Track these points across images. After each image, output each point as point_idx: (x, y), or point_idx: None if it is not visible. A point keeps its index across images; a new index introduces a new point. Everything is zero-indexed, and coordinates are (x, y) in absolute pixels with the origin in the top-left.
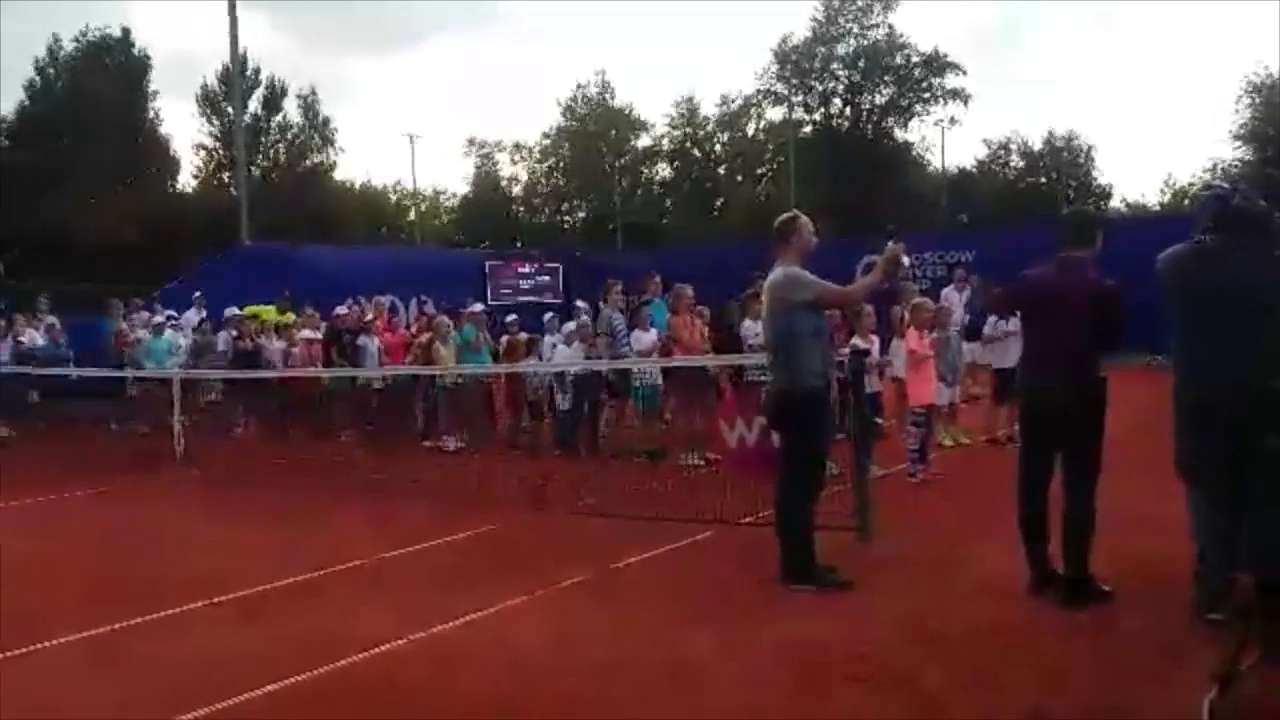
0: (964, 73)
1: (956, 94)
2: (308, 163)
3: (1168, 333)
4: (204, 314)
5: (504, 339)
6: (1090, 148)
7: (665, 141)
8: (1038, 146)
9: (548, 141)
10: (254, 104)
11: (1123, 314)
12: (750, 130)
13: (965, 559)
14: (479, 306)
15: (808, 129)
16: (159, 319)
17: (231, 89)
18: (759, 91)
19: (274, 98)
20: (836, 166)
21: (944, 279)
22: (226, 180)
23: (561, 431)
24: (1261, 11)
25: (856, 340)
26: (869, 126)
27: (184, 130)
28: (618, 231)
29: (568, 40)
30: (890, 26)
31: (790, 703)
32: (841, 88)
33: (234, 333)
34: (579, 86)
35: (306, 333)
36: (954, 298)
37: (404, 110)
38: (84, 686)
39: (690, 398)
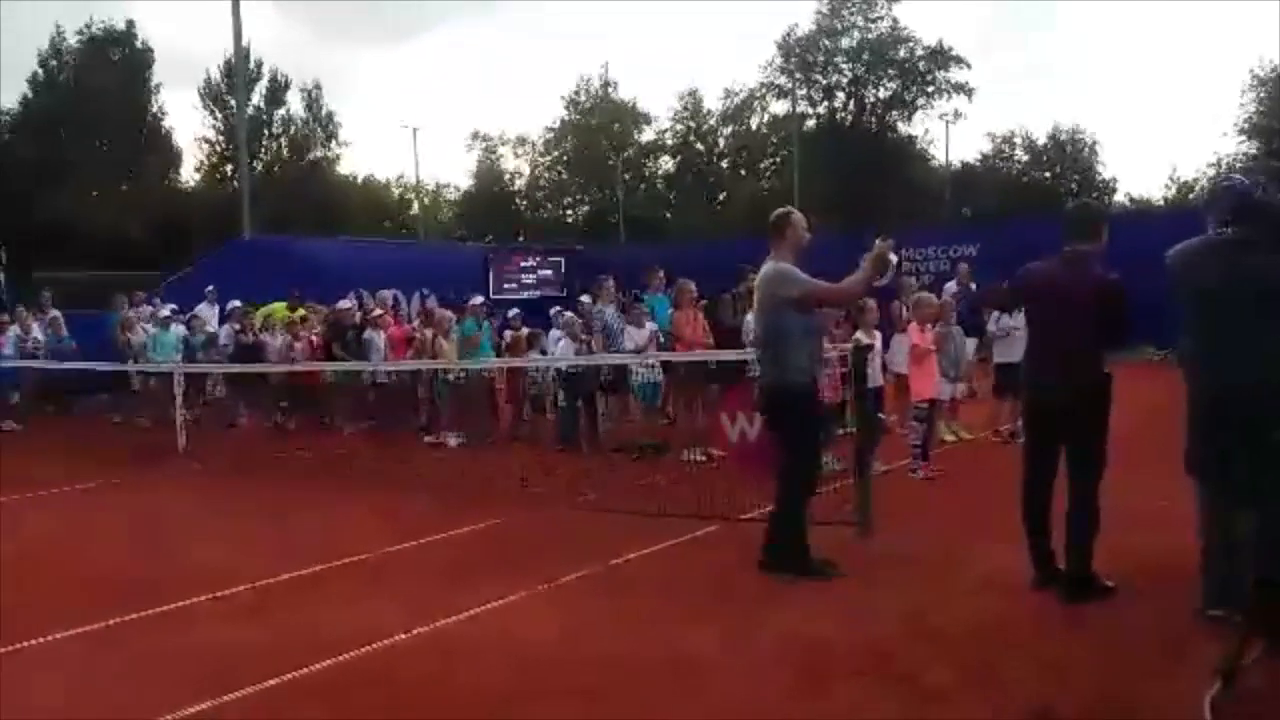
0: (968, 66)
1: (961, 88)
2: (311, 156)
3: (1178, 328)
4: (217, 307)
5: (506, 333)
6: (1094, 142)
7: (668, 135)
8: (1042, 141)
9: (551, 135)
10: (257, 97)
11: (1128, 309)
12: (754, 124)
13: (968, 555)
14: (479, 299)
15: (811, 123)
16: (163, 312)
17: (235, 82)
18: (763, 85)
19: (277, 91)
20: (840, 160)
21: (947, 274)
22: (229, 174)
23: (563, 428)
24: (1265, 5)
25: (860, 335)
26: (873, 120)
27: (186, 123)
28: (620, 225)
29: (571, 33)
30: (895, 20)
31: (792, 698)
32: (845, 81)
33: (236, 326)
34: (582, 80)
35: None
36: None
37: (407, 103)
38: (87, 680)
39: (692, 393)
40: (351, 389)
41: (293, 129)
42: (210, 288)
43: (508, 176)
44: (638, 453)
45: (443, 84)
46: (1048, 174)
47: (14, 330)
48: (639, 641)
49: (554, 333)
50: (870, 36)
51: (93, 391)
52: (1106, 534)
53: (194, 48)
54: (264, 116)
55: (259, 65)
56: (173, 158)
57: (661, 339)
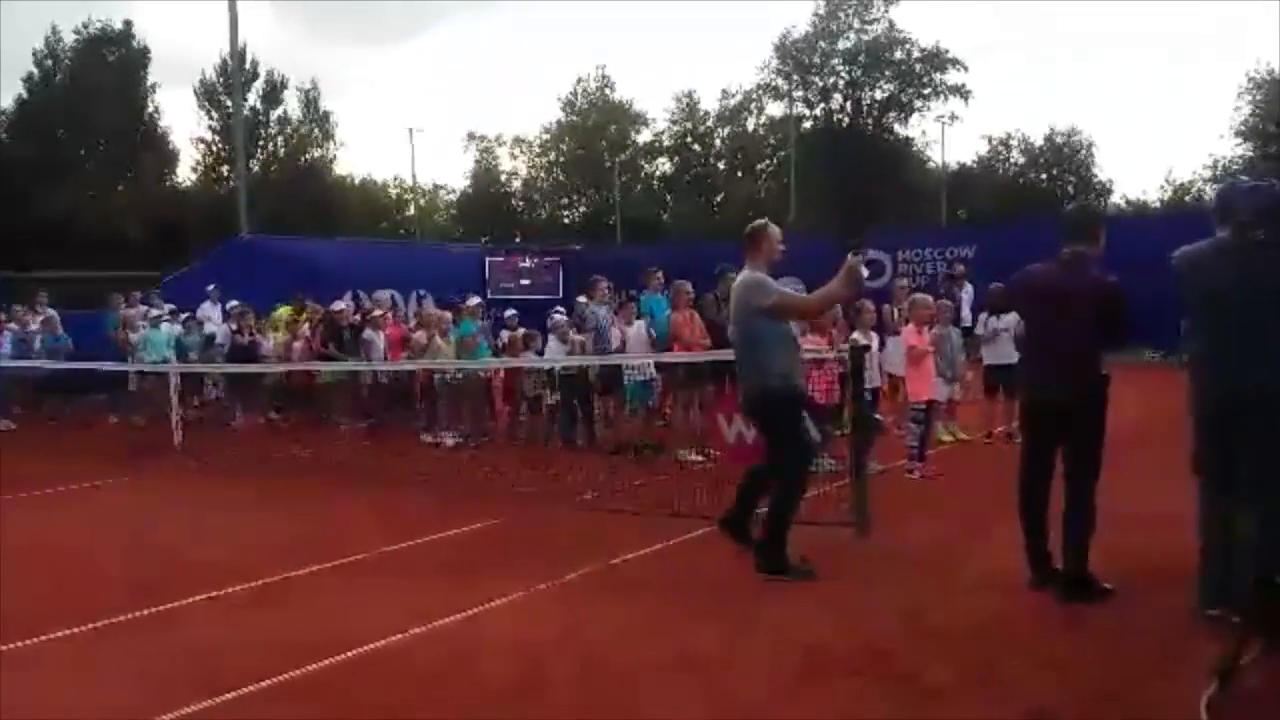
0: (965, 68)
1: (957, 90)
2: (308, 157)
3: (1180, 331)
4: (219, 306)
5: (503, 333)
6: (1090, 144)
7: (665, 136)
8: (1038, 143)
9: (547, 136)
10: (253, 98)
11: (1125, 311)
12: (750, 125)
13: (965, 555)
14: (476, 300)
15: (808, 124)
16: (155, 312)
17: (231, 82)
18: (759, 86)
19: (273, 91)
20: (837, 162)
21: (944, 275)
22: (226, 174)
23: (560, 427)
24: (1261, 8)
25: (857, 335)
26: (869, 122)
27: (182, 123)
28: (618, 227)
29: (568, 35)
30: (891, 22)
31: (791, 697)
32: (842, 83)
33: (233, 326)
34: (579, 81)
35: (307, 328)
36: (954, 293)
37: (404, 103)
38: (84, 679)
39: (690, 393)
40: (348, 388)
41: (289, 129)
42: (212, 286)
43: (504, 177)
44: (635, 453)
45: (440, 85)
46: (1044, 176)
47: (12, 329)
48: (638, 641)
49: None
50: (867, 38)
51: (89, 391)
52: (1103, 534)
53: (190, 47)
54: (260, 117)
55: (255, 65)
56: (169, 158)
57: (653, 334)
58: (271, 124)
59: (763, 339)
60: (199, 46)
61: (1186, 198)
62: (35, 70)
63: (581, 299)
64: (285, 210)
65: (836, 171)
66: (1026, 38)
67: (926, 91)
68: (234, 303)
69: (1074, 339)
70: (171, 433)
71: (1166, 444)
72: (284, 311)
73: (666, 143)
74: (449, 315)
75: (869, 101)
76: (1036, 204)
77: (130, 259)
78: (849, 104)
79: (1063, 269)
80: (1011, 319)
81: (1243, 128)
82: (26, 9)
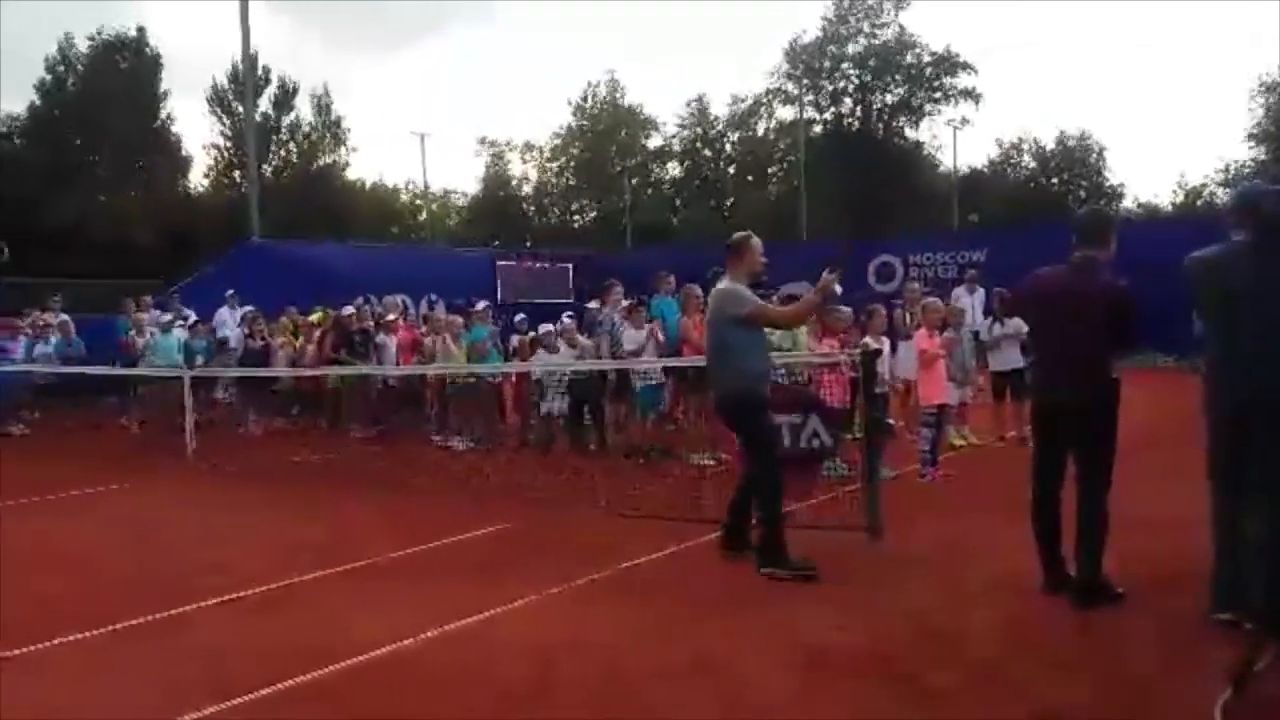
0: (975, 72)
1: (968, 93)
2: (320, 162)
3: (1199, 334)
4: (239, 311)
5: (514, 338)
6: (1102, 148)
7: (676, 141)
8: (1050, 147)
9: (558, 141)
10: (265, 103)
11: (1136, 315)
12: (761, 130)
13: (977, 559)
14: (483, 304)
15: (818, 128)
16: (165, 317)
17: (243, 88)
18: (769, 91)
19: (285, 97)
20: (847, 166)
21: (956, 280)
22: (238, 179)
23: (567, 430)
24: (1273, 10)
25: (868, 340)
26: (880, 126)
27: (194, 128)
28: (628, 231)
29: (579, 40)
30: (901, 26)
31: (801, 700)
32: (852, 87)
33: (245, 331)
34: (590, 86)
35: (317, 333)
36: (965, 299)
37: (415, 108)
38: (96, 683)
39: (700, 397)
40: (359, 393)
41: (301, 135)
42: (231, 292)
43: (515, 182)
44: (645, 457)
45: (451, 89)
46: (1055, 180)
47: (27, 334)
48: (650, 644)
49: (559, 339)
50: (877, 43)
51: (96, 394)
52: (1116, 538)
53: (201, 54)
54: (272, 122)
55: (267, 71)
56: (181, 163)
57: (660, 337)
58: (283, 129)
59: (736, 346)
60: (210, 52)
61: (1198, 202)
62: (48, 76)
63: (592, 304)
64: (297, 215)
65: (847, 176)
66: (1037, 40)
67: (937, 95)
68: (247, 307)
69: (1084, 343)
70: (183, 437)
71: (1179, 447)
72: (315, 316)
73: (677, 147)
74: (459, 320)
75: (879, 106)
76: (1048, 208)
77: (142, 264)
78: (859, 108)
79: (1073, 273)
80: (1016, 324)
81: (1255, 131)
82: (37, 13)
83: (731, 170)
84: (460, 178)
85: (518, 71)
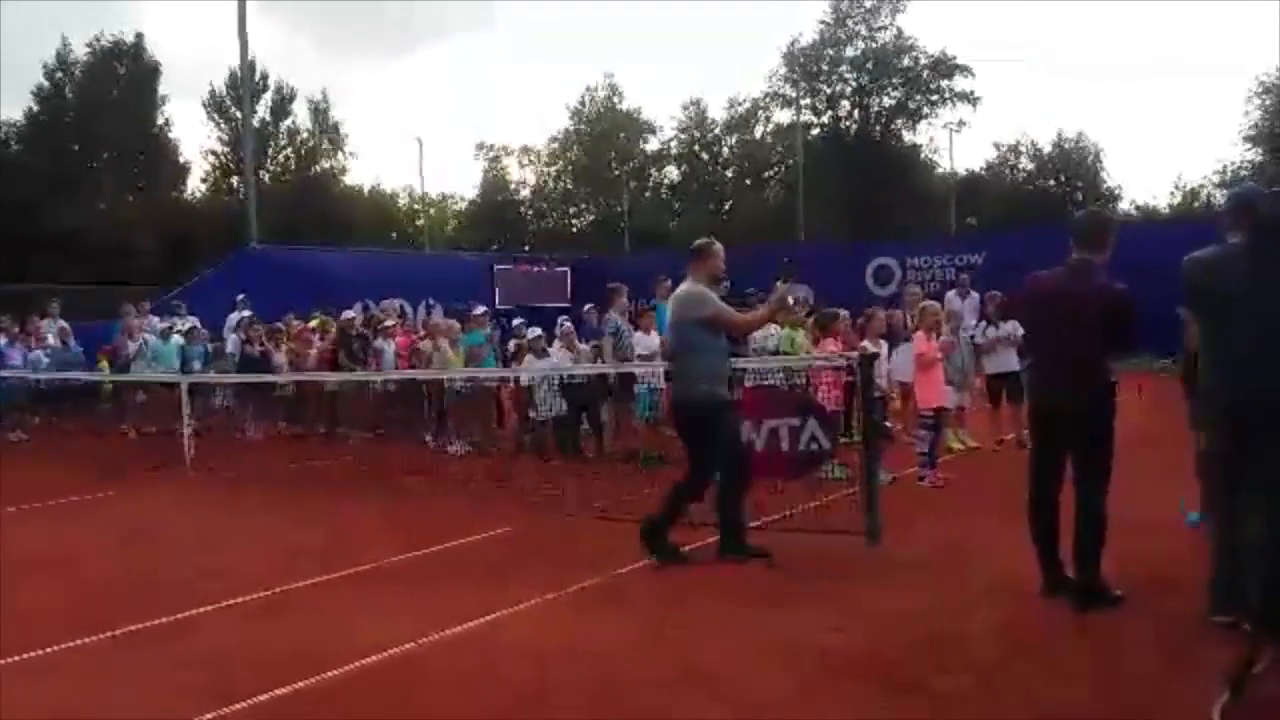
0: (972, 75)
1: (965, 96)
2: (318, 167)
3: (1192, 335)
4: (246, 315)
5: (511, 343)
6: (1099, 150)
7: (673, 145)
8: (1047, 149)
9: (556, 145)
10: (262, 109)
11: (1133, 318)
12: (758, 133)
13: (975, 562)
14: (482, 309)
15: (816, 132)
16: (164, 324)
17: (241, 94)
18: (767, 94)
19: (283, 103)
20: (845, 169)
21: (952, 283)
22: (235, 185)
23: (559, 438)
24: (1270, 11)
25: (866, 343)
26: (877, 129)
27: (192, 134)
28: (626, 235)
29: (576, 44)
30: (899, 29)
31: (801, 703)
32: (850, 90)
33: (243, 337)
34: (587, 90)
35: (317, 339)
36: (957, 303)
37: (412, 113)
38: (97, 689)
39: None
40: (358, 398)
41: (299, 140)
42: (241, 296)
43: (513, 186)
44: (643, 462)
45: (448, 94)
46: (1052, 182)
47: (38, 349)
48: (648, 649)
49: (557, 342)
50: (874, 45)
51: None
52: (1114, 540)
53: (199, 59)
54: (270, 128)
55: (264, 77)
56: (179, 169)
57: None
58: (281, 135)
59: (699, 347)
60: (208, 57)
61: (1196, 203)
62: (46, 82)
63: (587, 308)
64: (295, 221)
65: (845, 179)
66: (1034, 43)
67: (934, 98)
68: (245, 313)
69: (1082, 346)
70: (183, 444)
71: (1177, 449)
72: (315, 323)
73: (674, 151)
74: (456, 325)
75: (877, 108)
76: (1046, 210)
77: (140, 270)
78: (857, 111)
79: (1070, 275)
80: (1010, 327)
81: (1252, 132)
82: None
83: (729, 174)
84: (458, 182)
85: (516, 76)
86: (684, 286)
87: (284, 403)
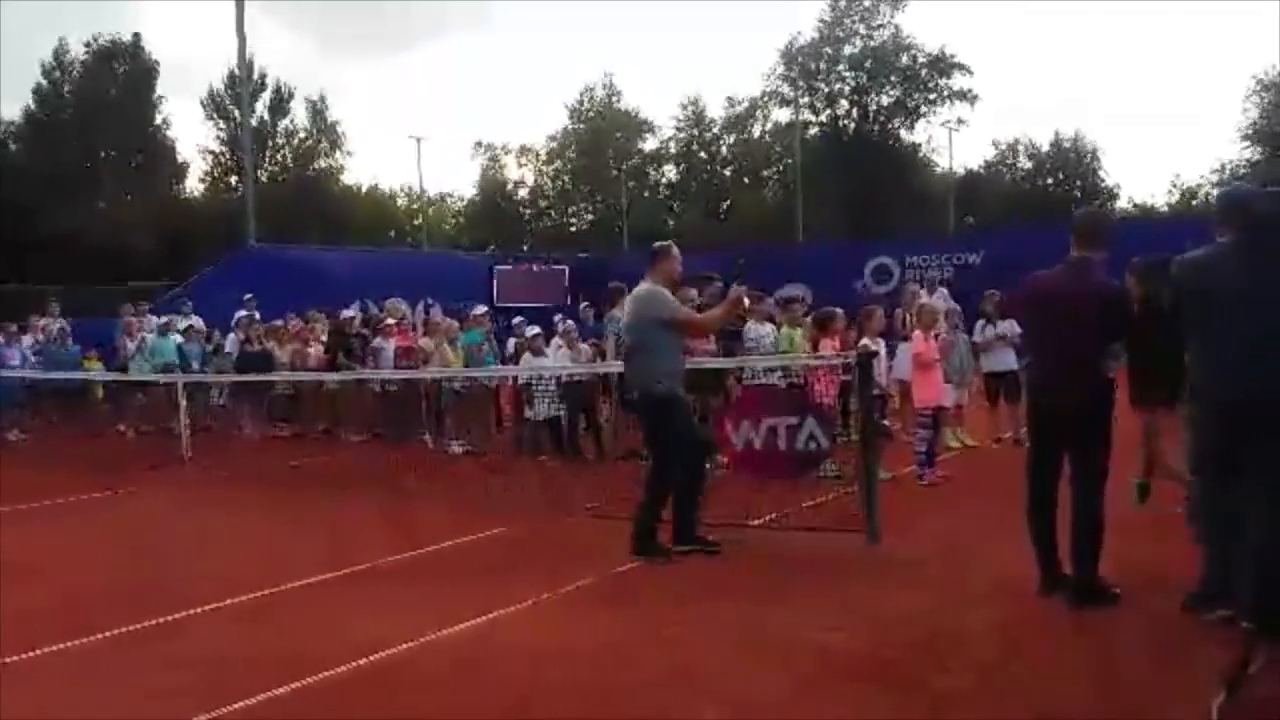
0: (971, 73)
1: (963, 95)
2: (315, 166)
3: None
4: (244, 315)
5: (511, 342)
6: (1096, 149)
7: (672, 144)
8: (1045, 148)
9: (554, 144)
10: (260, 108)
11: (1131, 316)
12: (757, 132)
13: (974, 561)
14: (482, 309)
15: (814, 130)
16: (162, 320)
17: (239, 93)
18: (765, 93)
19: (281, 102)
20: (843, 168)
21: (950, 281)
22: (234, 184)
23: (554, 438)
24: (1268, 9)
25: (865, 341)
26: (875, 128)
27: (190, 133)
28: (624, 234)
29: (573, 42)
30: (897, 27)
31: (798, 703)
32: (848, 89)
33: (242, 336)
34: (586, 89)
35: (313, 337)
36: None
37: (411, 112)
38: (91, 690)
39: (698, 401)
40: (355, 397)
41: (297, 139)
42: (249, 295)
43: (511, 185)
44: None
45: (446, 93)
46: (1050, 180)
47: (27, 340)
48: (645, 648)
49: (554, 341)
50: (873, 44)
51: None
52: (1111, 538)
53: (196, 58)
54: (268, 127)
55: (263, 76)
56: (177, 169)
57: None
58: (279, 134)
59: (655, 346)
60: (205, 57)
61: (1194, 201)
62: (44, 82)
63: (584, 305)
64: (293, 220)
65: (843, 178)
66: (1032, 40)
67: (933, 96)
68: (241, 312)
69: (1080, 345)
70: (181, 443)
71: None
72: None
73: (673, 150)
74: (455, 324)
75: (875, 107)
76: (1044, 209)
77: (139, 269)
78: (855, 110)
79: (1068, 274)
80: (1008, 326)
81: (1250, 130)
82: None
83: (728, 173)
84: (456, 182)
85: (515, 75)
86: (642, 286)
87: (282, 401)
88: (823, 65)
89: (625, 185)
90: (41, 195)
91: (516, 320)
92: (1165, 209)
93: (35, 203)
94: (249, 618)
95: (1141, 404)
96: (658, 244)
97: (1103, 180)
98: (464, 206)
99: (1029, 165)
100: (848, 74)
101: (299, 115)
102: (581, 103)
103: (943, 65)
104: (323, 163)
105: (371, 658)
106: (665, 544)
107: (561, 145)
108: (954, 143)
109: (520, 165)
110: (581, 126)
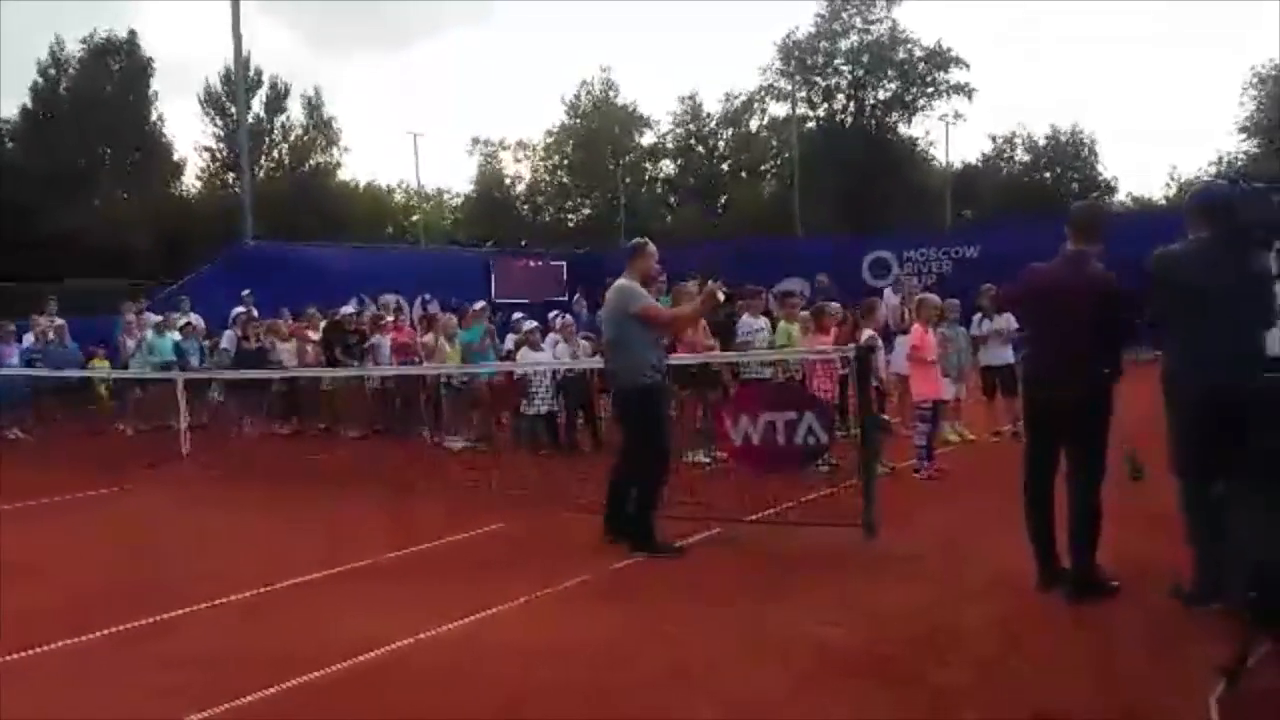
0: (967, 67)
1: (960, 88)
2: (312, 163)
3: (1161, 328)
4: (241, 311)
5: (509, 337)
6: (1093, 142)
7: (669, 139)
8: (1042, 142)
9: (551, 139)
10: (257, 105)
11: (1128, 308)
12: (754, 126)
13: (972, 555)
14: (481, 304)
15: (811, 125)
16: (157, 318)
17: (235, 90)
18: (762, 87)
19: (277, 98)
20: (840, 162)
21: (948, 275)
22: (230, 181)
23: (549, 432)
24: (1265, 3)
25: (871, 333)
26: (872, 122)
27: (187, 131)
28: (622, 229)
29: (570, 37)
30: (894, 21)
31: (796, 699)
32: (845, 83)
33: (239, 333)
34: (583, 84)
35: (311, 334)
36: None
37: (407, 108)
38: (90, 688)
39: (696, 395)
40: (354, 394)
41: (293, 136)
42: (247, 292)
43: (508, 181)
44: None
45: (443, 89)
46: (1048, 174)
47: (27, 339)
48: (644, 644)
49: (550, 336)
50: (870, 38)
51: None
52: (1108, 532)
53: (193, 55)
54: (265, 124)
55: (259, 73)
56: (174, 166)
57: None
58: (275, 131)
59: (633, 340)
60: (202, 54)
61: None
62: (40, 80)
63: (577, 298)
64: (291, 216)
65: (841, 172)
66: (1030, 34)
67: (930, 90)
68: (239, 309)
69: (1075, 337)
70: (180, 440)
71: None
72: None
73: (670, 145)
74: (454, 319)
75: (872, 101)
76: (1042, 202)
77: (137, 267)
78: (852, 104)
79: (1065, 267)
80: (1004, 321)
81: (1248, 123)
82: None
83: (725, 167)
84: (454, 178)
85: (512, 71)
86: (620, 281)
87: (279, 398)
88: (820, 59)
89: (622, 180)
90: (39, 194)
91: (516, 316)
92: (1163, 202)
93: (33, 201)
94: (246, 616)
95: None
96: (635, 240)
97: (1100, 173)
98: (461, 202)
99: (1026, 159)
100: (845, 68)
101: (296, 112)
102: (579, 97)
103: (939, 59)
104: (319, 158)
105: (367, 656)
106: (670, 541)
107: (559, 140)
108: (951, 137)
109: (517, 161)
110: (578, 122)
